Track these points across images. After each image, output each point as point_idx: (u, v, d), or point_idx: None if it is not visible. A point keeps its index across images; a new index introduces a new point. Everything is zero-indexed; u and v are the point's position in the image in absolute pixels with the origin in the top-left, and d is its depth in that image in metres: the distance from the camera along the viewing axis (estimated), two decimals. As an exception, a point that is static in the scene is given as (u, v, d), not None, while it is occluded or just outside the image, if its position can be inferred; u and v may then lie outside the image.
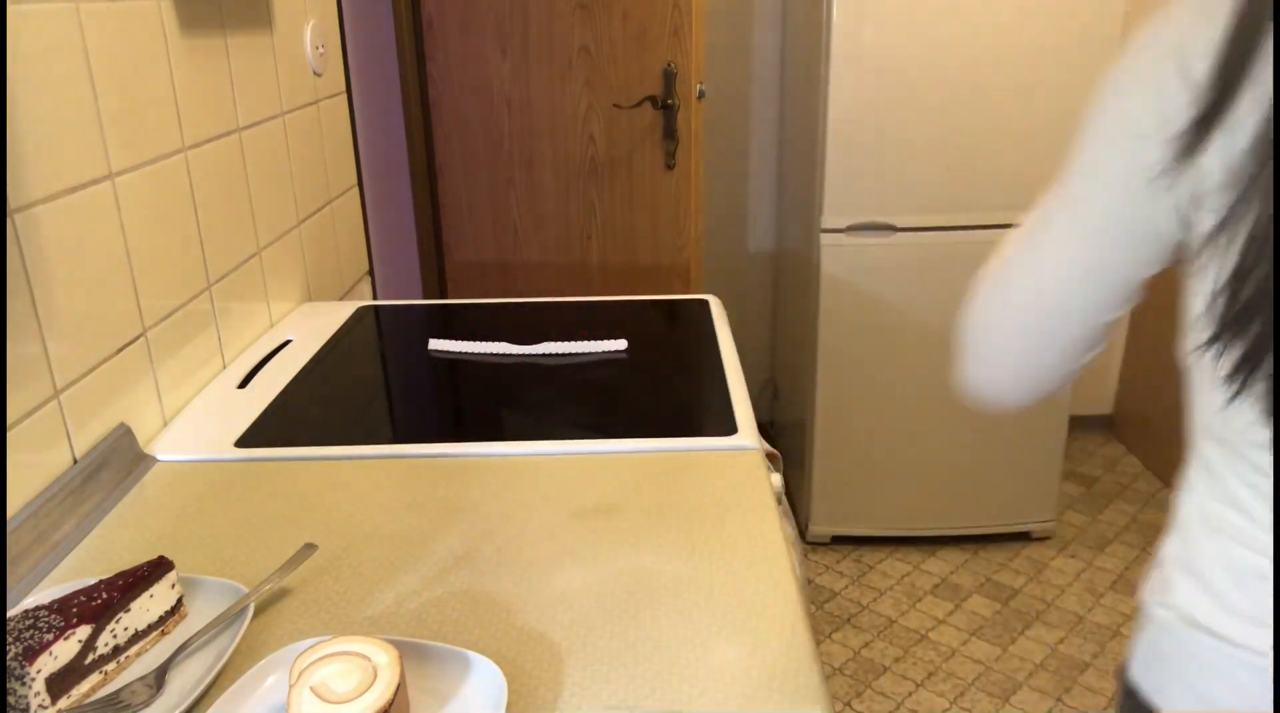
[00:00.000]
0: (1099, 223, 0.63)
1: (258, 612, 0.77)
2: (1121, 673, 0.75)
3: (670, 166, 2.21)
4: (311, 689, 0.61)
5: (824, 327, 2.27)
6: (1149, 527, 2.57)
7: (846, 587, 2.35)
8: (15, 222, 0.88)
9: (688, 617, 0.77)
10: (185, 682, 0.69)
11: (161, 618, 0.75)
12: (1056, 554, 2.47)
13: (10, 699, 0.64)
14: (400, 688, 0.62)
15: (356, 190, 1.82)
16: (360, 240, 1.85)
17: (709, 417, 1.13)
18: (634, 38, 2.12)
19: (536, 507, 0.94)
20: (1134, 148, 0.61)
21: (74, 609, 0.69)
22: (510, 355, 1.34)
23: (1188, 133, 0.57)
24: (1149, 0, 2.61)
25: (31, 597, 0.77)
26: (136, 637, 0.73)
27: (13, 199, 0.87)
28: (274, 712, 0.65)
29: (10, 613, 0.70)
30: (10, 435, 0.87)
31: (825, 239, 2.21)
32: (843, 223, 2.20)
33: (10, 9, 0.87)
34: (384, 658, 0.63)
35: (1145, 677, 0.71)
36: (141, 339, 1.09)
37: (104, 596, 0.71)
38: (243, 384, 1.24)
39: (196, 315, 1.22)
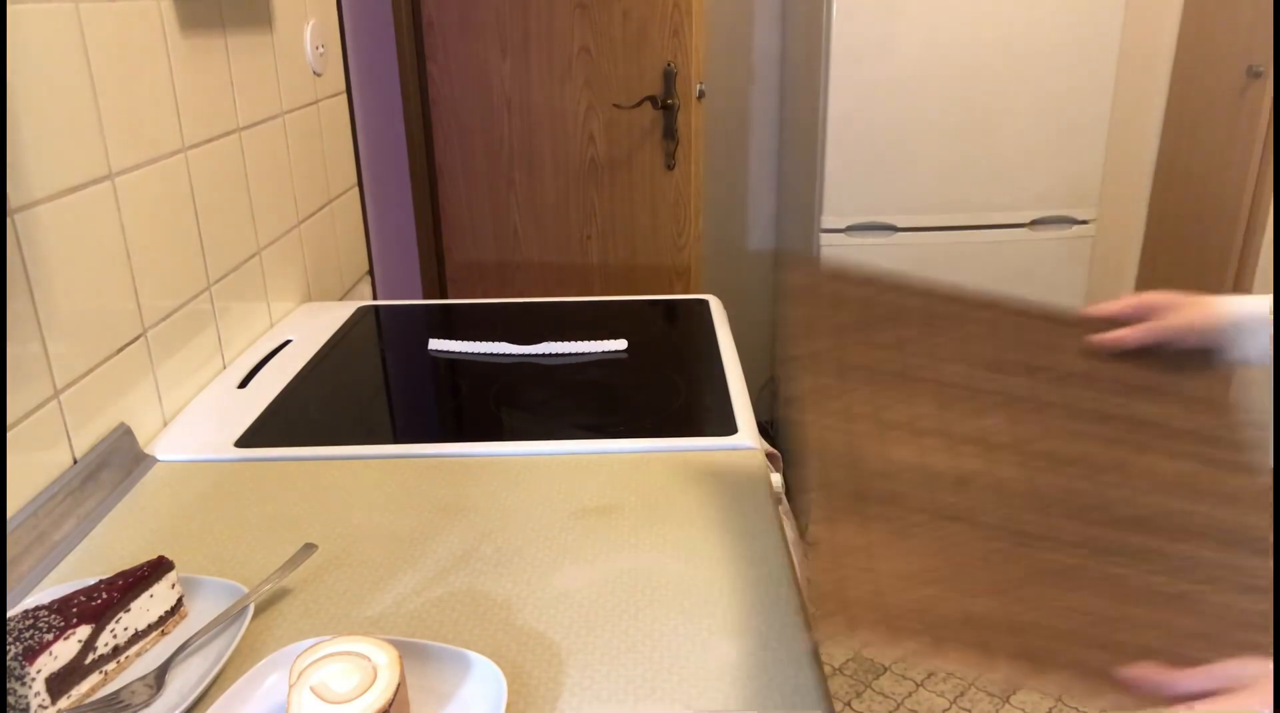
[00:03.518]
0: None
1: (258, 612, 0.77)
2: None
3: (670, 167, 2.20)
4: (311, 689, 0.61)
5: (824, 327, 2.26)
6: (1149, 527, 2.57)
7: (846, 587, 2.35)
8: (15, 222, 0.88)
9: (688, 617, 0.77)
10: (185, 682, 0.69)
11: (161, 618, 0.75)
12: (1056, 554, 2.46)
13: (10, 699, 0.64)
14: (400, 688, 0.62)
15: (356, 190, 1.82)
16: (360, 240, 1.85)
17: (709, 417, 1.13)
18: (634, 38, 2.12)
19: (536, 507, 0.94)
20: None
21: (74, 609, 0.69)
22: (510, 355, 1.34)
23: None
24: (1148, 1, 2.61)
25: (31, 597, 0.77)
26: (136, 637, 0.73)
27: (13, 199, 0.87)
28: (274, 712, 0.65)
29: (10, 613, 0.70)
30: (10, 435, 0.87)
31: (825, 239, 2.21)
32: (843, 223, 2.20)
33: (10, 9, 0.87)
34: (384, 658, 0.63)
35: None
36: (141, 339, 1.09)
37: (104, 596, 0.71)
38: (243, 384, 1.24)
39: (196, 315, 1.22)
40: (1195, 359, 0.83)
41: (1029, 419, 0.76)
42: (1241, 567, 0.64)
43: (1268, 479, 0.73)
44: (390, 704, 0.61)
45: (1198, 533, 0.67)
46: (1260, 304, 0.81)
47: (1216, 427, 0.77)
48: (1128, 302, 0.86)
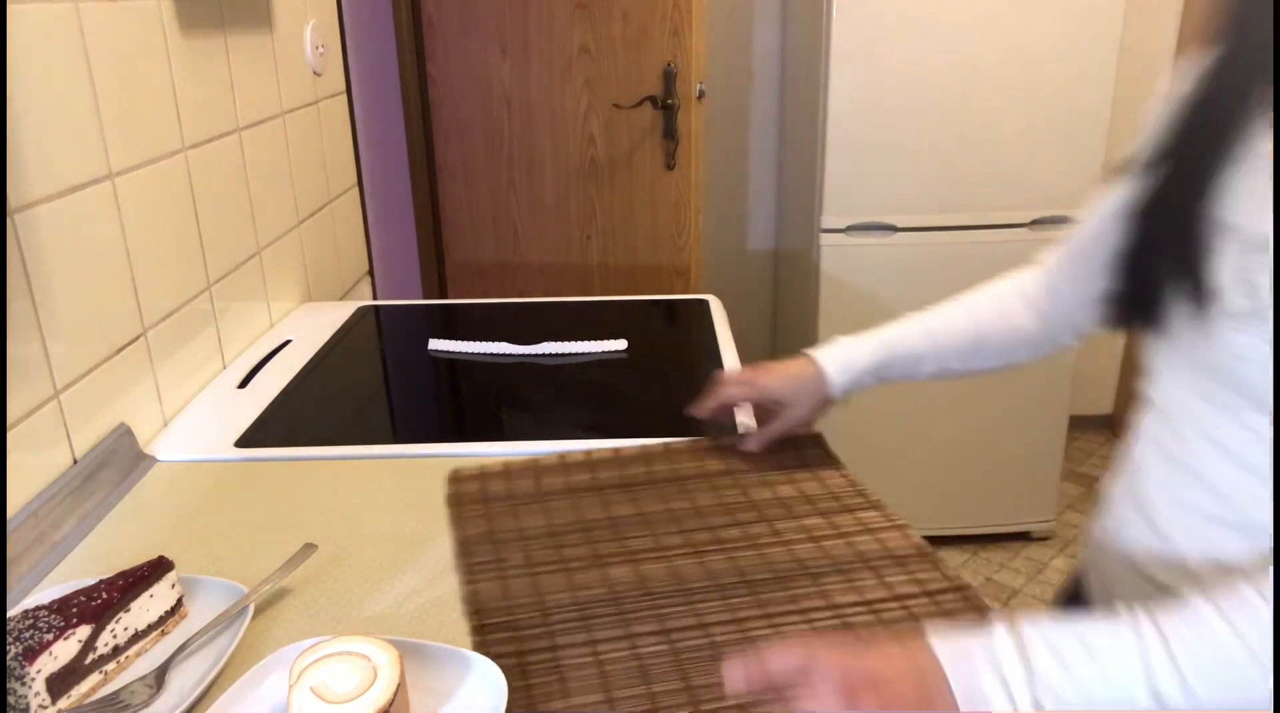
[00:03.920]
0: None
1: (258, 612, 0.77)
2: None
3: (670, 166, 2.20)
4: (311, 689, 0.61)
5: (824, 327, 2.27)
6: (1149, 527, 2.57)
7: (846, 587, 2.35)
8: (15, 222, 0.88)
9: (688, 617, 0.77)
10: (185, 682, 0.69)
11: (161, 618, 0.75)
12: (1056, 554, 2.46)
13: (10, 699, 0.64)
14: (400, 688, 0.62)
15: (356, 190, 1.82)
16: (360, 240, 1.85)
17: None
18: (634, 38, 2.12)
19: (536, 507, 0.94)
20: None
21: (74, 609, 0.69)
22: (510, 355, 1.34)
23: None
24: (1148, 1, 2.61)
25: (31, 597, 0.77)
26: (136, 637, 0.73)
27: (13, 199, 0.87)
28: (274, 712, 0.65)
29: (10, 613, 0.70)
30: (10, 435, 0.87)
31: (825, 239, 2.21)
32: (843, 223, 2.20)
33: (10, 9, 0.87)
34: (384, 658, 0.63)
35: None
36: (141, 339, 1.09)
37: (104, 596, 0.71)
38: (243, 384, 1.24)
39: (196, 315, 1.22)
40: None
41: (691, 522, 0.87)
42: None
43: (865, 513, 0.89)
44: (390, 704, 0.61)
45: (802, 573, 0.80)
46: (844, 353, 0.93)
47: (843, 485, 0.94)
48: (733, 391, 0.98)
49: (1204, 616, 0.58)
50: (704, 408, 0.99)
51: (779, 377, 0.95)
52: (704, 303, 1.54)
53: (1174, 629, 0.58)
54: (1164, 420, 0.73)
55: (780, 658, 0.60)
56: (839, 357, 0.94)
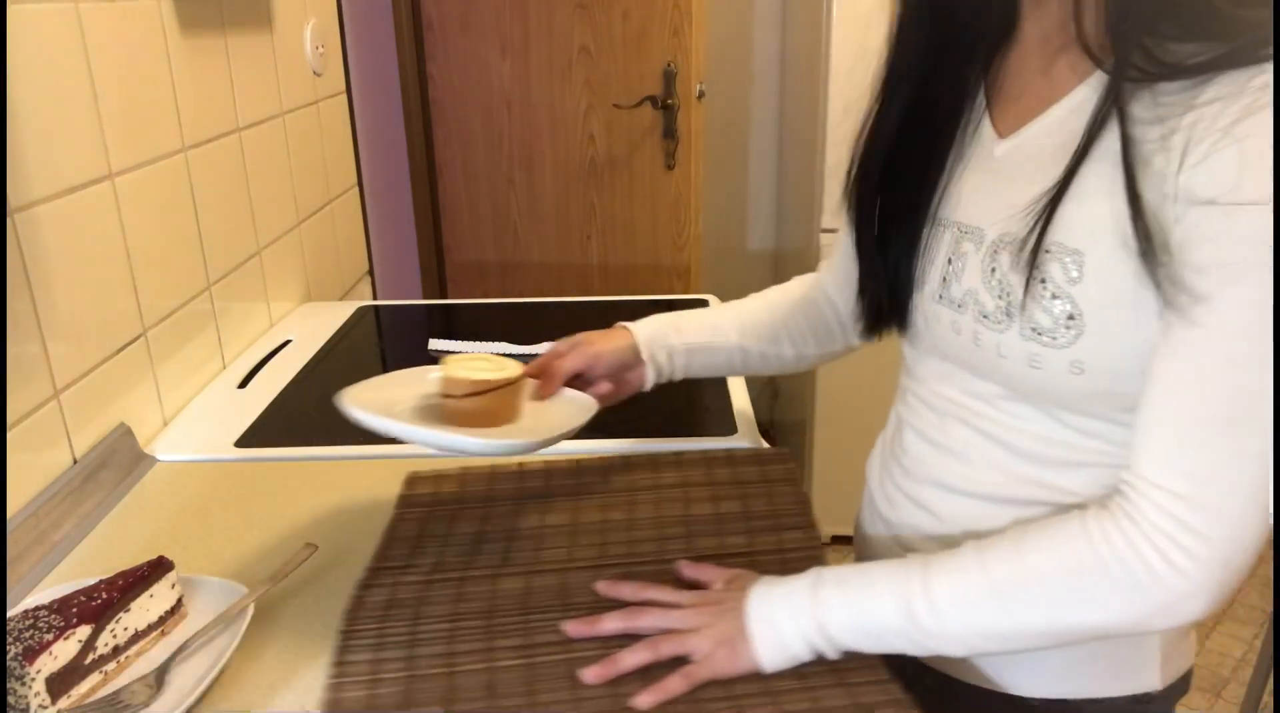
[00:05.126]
0: None
1: (258, 612, 0.77)
2: None
3: (670, 167, 2.21)
4: (455, 367, 0.83)
5: (824, 327, 2.26)
6: (1149, 527, 2.56)
7: (846, 587, 2.35)
8: (15, 222, 0.88)
9: (688, 617, 0.77)
10: (185, 682, 0.69)
11: (161, 618, 0.75)
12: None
13: (10, 699, 0.64)
14: (520, 382, 0.84)
15: (356, 190, 1.82)
16: (360, 240, 1.85)
17: (709, 417, 1.13)
18: (634, 38, 2.12)
19: (536, 507, 0.94)
20: None
21: (74, 609, 0.69)
22: (510, 356, 1.33)
23: None
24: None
25: (31, 597, 0.77)
26: (136, 637, 0.73)
27: (13, 199, 0.87)
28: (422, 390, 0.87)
29: (10, 613, 0.70)
30: (10, 435, 0.87)
31: (825, 239, 2.21)
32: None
33: (10, 9, 0.87)
34: (511, 363, 0.85)
35: None
36: (141, 339, 1.09)
37: (104, 596, 0.71)
38: (243, 384, 1.24)
39: (196, 315, 1.22)
40: None
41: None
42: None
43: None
44: (515, 381, 0.84)
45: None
46: (662, 334, 0.95)
47: (791, 505, 0.94)
48: (556, 351, 0.94)
49: (962, 554, 0.66)
50: (544, 389, 0.91)
51: (608, 350, 0.93)
52: (704, 303, 1.54)
53: (937, 561, 0.67)
54: (926, 409, 0.79)
55: (609, 623, 0.72)
56: (657, 339, 0.94)
